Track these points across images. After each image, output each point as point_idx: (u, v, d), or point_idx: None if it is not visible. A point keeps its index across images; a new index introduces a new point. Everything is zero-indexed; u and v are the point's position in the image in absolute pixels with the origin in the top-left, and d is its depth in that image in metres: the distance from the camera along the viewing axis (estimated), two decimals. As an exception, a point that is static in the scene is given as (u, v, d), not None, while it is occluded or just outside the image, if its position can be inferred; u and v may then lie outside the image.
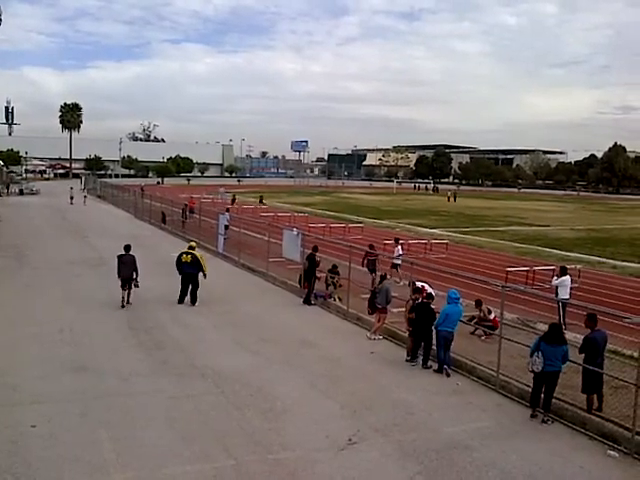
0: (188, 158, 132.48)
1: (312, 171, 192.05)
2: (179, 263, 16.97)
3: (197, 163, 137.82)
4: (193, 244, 17.97)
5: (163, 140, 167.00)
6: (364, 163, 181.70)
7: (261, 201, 39.47)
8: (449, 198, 72.05)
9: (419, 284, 14.00)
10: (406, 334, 13.12)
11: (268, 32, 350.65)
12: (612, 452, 8.91)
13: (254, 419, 9.51)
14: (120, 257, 16.52)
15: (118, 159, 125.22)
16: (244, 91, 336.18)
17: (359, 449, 8.67)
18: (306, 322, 15.73)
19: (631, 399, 9.19)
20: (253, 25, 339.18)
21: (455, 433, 9.28)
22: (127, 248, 16.79)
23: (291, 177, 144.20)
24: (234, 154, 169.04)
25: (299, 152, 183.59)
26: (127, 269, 16.22)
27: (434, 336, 12.22)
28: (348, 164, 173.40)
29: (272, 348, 13.24)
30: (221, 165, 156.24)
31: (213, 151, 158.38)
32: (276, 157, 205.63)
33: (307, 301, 17.45)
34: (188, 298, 16.78)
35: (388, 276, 15.89)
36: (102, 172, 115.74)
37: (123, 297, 16.21)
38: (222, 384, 10.97)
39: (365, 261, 20.09)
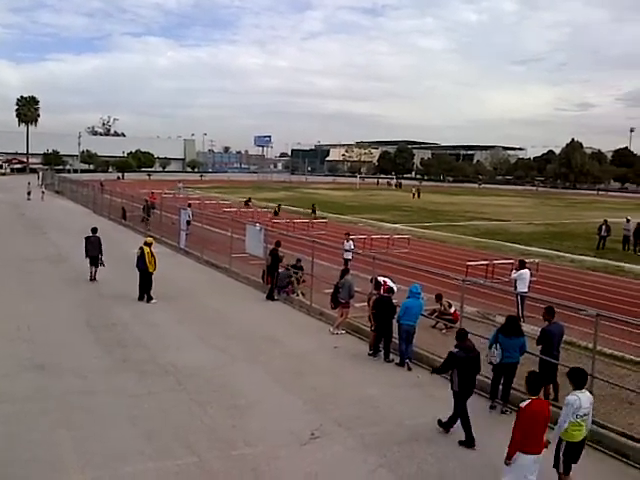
0: (149, 153, 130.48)
1: (275, 166, 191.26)
2: (137, 259, 16.95)
3: (158, 158, 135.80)
4: (149, 239, 17.75)
5: (123, 134, 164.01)
6: (327, 158, 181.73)
7: (276, 212, 37.42)
8: (414, 194, 72.13)
9: (381, 279, 14.12)
10: (369, 328, 13.23)
11: (232, 26, 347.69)
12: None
13: (217, 416, 9.49)
14: (87, 238, 18.91)
15: (77, 154, 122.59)
16: (207, 85, 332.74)
17: (322, 443, 8.73)
18: (269, 318, 15.73)
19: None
20: (217, 19, 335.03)
21: (417, 425, 9.42)
22: (94, 230, 19.26)
23: (254, 172, 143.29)
24: (196, 149, 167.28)
25: (262, 147, 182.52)
26: (94, 249, 18.66)
27: (396, 330, 12.36)
28: (311, 159, 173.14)
29: (235, 344, 13.21)
30: (183, 160, 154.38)
31: (175, 146, 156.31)
32: (239, 152, 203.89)
33: (270, 297, 17.44)
34: (151, 294, 16.68)
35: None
36: (60, 167, 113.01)
37: (91, 272, 18.75)
38: (185, 381, 10.90)
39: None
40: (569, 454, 7.46)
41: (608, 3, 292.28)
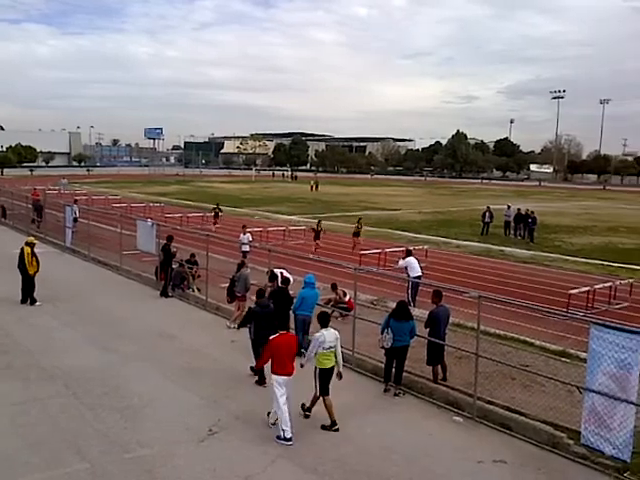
0: (31, 147, 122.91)
1: (168, 159, 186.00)
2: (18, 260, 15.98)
3: (41, 152, 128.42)
4: (30, 239, 16.75)
5: (2, 128, 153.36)
6: (222, 151, 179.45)
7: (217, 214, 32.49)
8: (312, 187, 72.15)
9: (277, 271, 14.16)
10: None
11: (119, 14, 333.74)
12: (457, 418, 9.67)
13: (109, 419, 9.15)
14: None
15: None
16: (94, 76, 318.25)
17: (220, 438, 8.67)
18: (164, 315, 15.35)
19: (472, 367, 9.99)
20: (102, 6, 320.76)
21: (315, 413, 9.49)
22: None
23: (146, 166, 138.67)
24: (83, 142, 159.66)
25: (153, 140, 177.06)
26: None
27: (293, 320, 12.44)
28: (205, 152, 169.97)
29: (128, 344, 12.78)
30: (68, 154, 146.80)
31: (59, 139, 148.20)
32: (129, 145, 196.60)
33: (164, 293, 17.01)
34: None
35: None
36: None
37: None
38: (73, 385, 10.42)
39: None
40: (322, 378, 9.08)
41: (490, 0, 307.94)
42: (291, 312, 12.39)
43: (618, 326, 8.50)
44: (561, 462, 8.34)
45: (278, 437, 8.58)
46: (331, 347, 9.15)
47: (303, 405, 9.45)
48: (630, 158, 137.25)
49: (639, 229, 38.17)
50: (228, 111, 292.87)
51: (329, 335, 9.17)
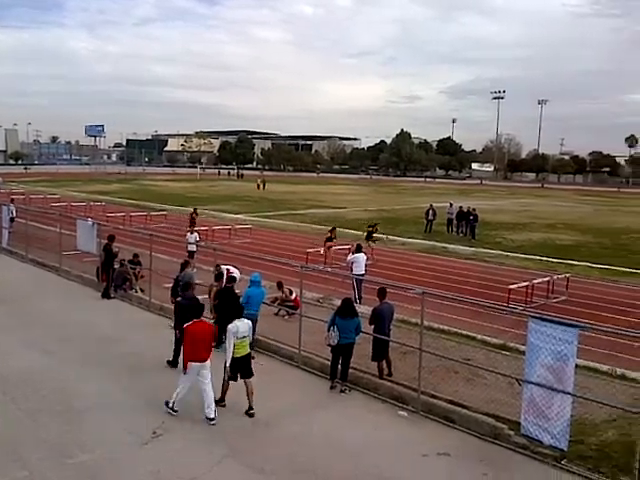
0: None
1: (109, 157, 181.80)
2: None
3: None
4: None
5: None
6: (166, 149, 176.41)
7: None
8: (259, 185, 71.55)
9: (224, 267, 14.03)
10: (212, 321, 13.06)
11: (58, 9, 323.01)
12: (402, 412, 9.81)
13: (49, 423, 8.87)
14: None
15: None
16: (32, 71, 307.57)
17: (165, 440, 8.53)
18: (106, 316, 14.96)
19: (416, 362, 10.15)
20: (40, 0, 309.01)
21: (261, 412, 9.48)
22: None
23: (86, 164, 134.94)
24: (20, 139, 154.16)
25: (95, 137, 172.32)
26: None
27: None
28: (149, 150, 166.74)
29: (69, 347, 12.42)
30: (4, 152, 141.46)
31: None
32: (69, 142, 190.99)
33: (106, 294, 16.59)
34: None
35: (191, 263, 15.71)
36: None
37: None
38: (10, 390, 10.04)
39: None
40: (234, 366, 9.47)
41: (431, 2, 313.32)
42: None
43: (554, 319, 8.81)
44: (502, 453, 8.56)
45: (167, 404, 9.29)
46: (245, 336, 9.61)
47: (217, 401, 9.56)
48: (567, 157, 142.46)
49: (575, 226, 39.67)
50: (172, 108, 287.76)
51: (242, 325, 9.61)
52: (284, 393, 10.47)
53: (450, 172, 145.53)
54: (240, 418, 9.33)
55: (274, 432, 8.96)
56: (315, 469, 7.96)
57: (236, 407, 9.67)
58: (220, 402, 9.61)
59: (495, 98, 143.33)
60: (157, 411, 9.41)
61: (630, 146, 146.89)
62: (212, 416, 9.10)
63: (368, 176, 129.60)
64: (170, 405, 9.28)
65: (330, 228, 23.75)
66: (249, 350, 9.76)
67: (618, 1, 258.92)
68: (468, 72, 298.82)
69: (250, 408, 9.46)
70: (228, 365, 9.49)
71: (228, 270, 13.74)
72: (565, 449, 8.27)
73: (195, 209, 29.50)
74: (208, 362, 9.30)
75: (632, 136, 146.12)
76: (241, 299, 12.27)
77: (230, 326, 9.58)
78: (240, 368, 9.56)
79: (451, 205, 35.23)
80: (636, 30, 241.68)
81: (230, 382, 9.65)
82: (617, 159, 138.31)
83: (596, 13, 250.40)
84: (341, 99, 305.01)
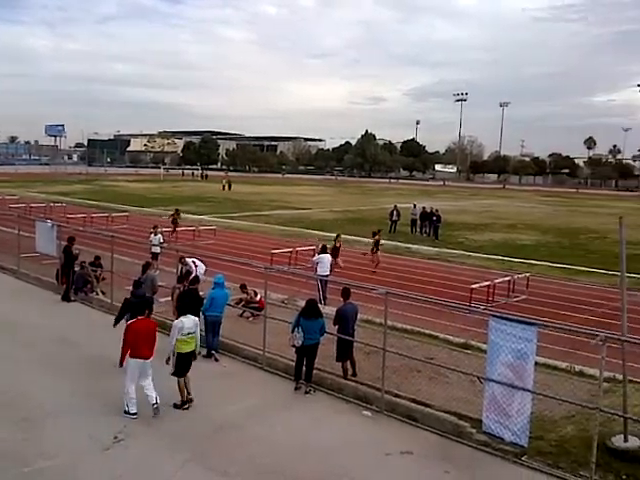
0: None
1: (70, 158, 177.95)
2: None
3: None
4: None
5: None
6: (128, 149, 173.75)
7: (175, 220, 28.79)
8: (224, 186, 70.71)
9: (189, 260, 13.90)
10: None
11: (15, 5, 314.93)
12: (366, 412, 9.87)
13: (5, 431, 8.64)
14: None
15: None
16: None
17: (126, 445, 8.40)
18: (66, 320, 14.66)
19: (380, 362, 10.21)
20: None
21: (224, 415, 9.46)
22: None
23: (46, 164, 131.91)
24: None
25: (55, 137, 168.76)
26: None
27: (202, 322, 12.24)
28: (111, 150, 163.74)
29: (27, 351, 12.13)
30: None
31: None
32: (28, 142, 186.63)
33: (66, 297, 16.26)
34: None
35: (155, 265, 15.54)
36: None
37: None
38: (-35, 397, 9.76)
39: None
40: (179, 362, 9.59)
41: (394, 4, 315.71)
42: (201, 313, 12.19)
43: (514, 318, 8.97)
44: (465, 450, 8.69)
45: (125, 412, 9.20)
46: (190, 333, 9.71)
47: (175, 404, 9.65)
48: (527, 158, 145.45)
49: (536, 226, 40.48)
50: (135, 108, 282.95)
51: (188, 322, 9.72)
52: (248, 395, 10.42)
53: (414, 173, 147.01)
54: (203, 422, 9.25)
55: (238, 434, 8.91)
56: (280, 470, 7.94)
57: (199, 411, 9.60)
58: (183, 406, 9.61)
59: (458, 100, 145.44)
60: (118, 415, 9.26)
61: (589, 148, 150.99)
62: (154, 402, 9.22)
63: (333, 177, 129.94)
64: (126, 409, 9.21)
65: (335, 235, 22.68)
66: (194, 347, 9.86)
67: (575, 6, 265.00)
68: (431, 74, 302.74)
69: (184, 403, 9.65)
70: (172, 361, 9.59)
71: (194, 262, 13.61)
72: (525, 445, 8.43)
73: (177, 210, 29.00)
74: (150, 360, 9.38)
75: (590, 138, 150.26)
76: (205, 301, 12.18)
77: (175, 322, 9.74)
78: (186, 364, 9.69)
79: (415, 206, 35.60)
80: (593, 34, 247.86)
81: (178, 378, 9.70)
82: (576, 160, 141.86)
83: (555, 18, 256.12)
84: (306, 100, 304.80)
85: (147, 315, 9.77)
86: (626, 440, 8.26)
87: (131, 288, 12.87)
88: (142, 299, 10.87)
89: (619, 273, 8.54)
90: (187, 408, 9.60)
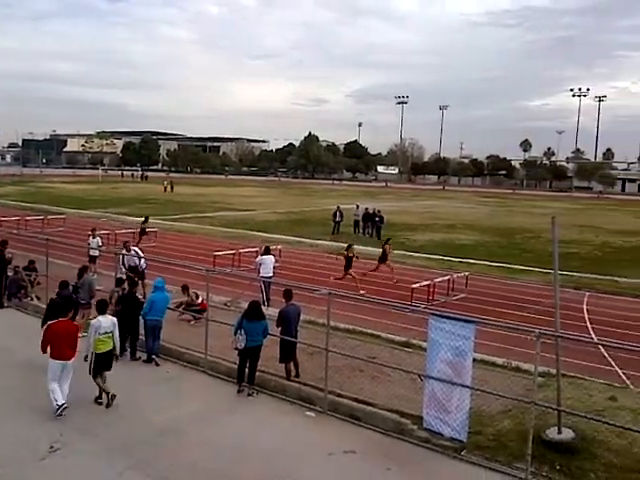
0: None
1: (4, 158, 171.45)
2: None
3: None
4: None
5: None
6: (65, 149, 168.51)
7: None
8: (165, 188, 69.40)
9: (133, 248, 13.60)
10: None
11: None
12: (309, 412, 9.88)
13: None
14: None
15: None
16: None
17: (63, 455, 8.13)
18: (-2, 326, 14.12)
19: (323, 362, 10.25)
20: None
21: (166, 420, 9.29)
22: None
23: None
24: None
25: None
26: None
27: (142, 326, 12.02)
28: (46, 150, 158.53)
29: (-45, 361, 11.61)
30: None
31: None
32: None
33: (-2, 303, 15.66)
34: None
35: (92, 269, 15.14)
36: None
37: None
38: None
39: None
40: (97, 362, 9.66)
41: (336, 6, 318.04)
42: (141, 317, 11.97)
43: (453, 316, 9.18)
44: (406, 447, 8.81)
45: (55, 408, 9.15)
46: (107, 332, 9.77)
47: (96, 399, 9.83)
48: (466, 160, 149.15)
49: (474, 226, 41.53)
50: (72, 107, 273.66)
51: (105, 321, 9.79)
52: (191, 399, 10.28)
53: (357, 174, 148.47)
54: (144, 428, 9.07)
55: (181, 440, 8.76)
56: (223, 474, 7.88)
57: (140, 417, 9.42)
58: (98, 399, 9.77)
59: (399, 103, 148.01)
60: (54, 423, 8.98)
61: (524, 150, 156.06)
62: (61, 403, 9.17)
63: (277, 178, 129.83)
64: (55, 405, 9.18)
65: (347, 245, 21.17)
66: (112, 346, 9.90)
67: (511, 12, 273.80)
68: (374, 77, 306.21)
69: (100, 397, 9.77)
70: (90, 360, 9.64)
71: (136, 251, 13.33)
72: (464, 440, 8.63)
73: (146, 217, 27.83)
74: (71, 361, 9.39)
75: (526, 140, 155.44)
76: (144, 305, 11.96)
77: (93, 322, 9.81)
78: (104, 363, 9.74)
79: (358, 207, 35.95)
80: (528, 40, 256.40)
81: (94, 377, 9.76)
82: (512, 162, 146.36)
83: (492, 22, 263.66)
84: (249, 101, 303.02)
85: (71, 317, 9.78)
86: (560, 432, 8.55)
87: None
88: (66, 300, 10.75)
89: (553, 271, 8.84)
90: (100, 403, 9.73)
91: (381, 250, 21.85)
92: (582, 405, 9.59)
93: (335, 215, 34.79)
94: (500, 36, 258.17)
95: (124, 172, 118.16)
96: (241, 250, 23.08)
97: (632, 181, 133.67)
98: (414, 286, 17.37)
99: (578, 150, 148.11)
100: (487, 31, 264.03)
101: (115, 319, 10.11)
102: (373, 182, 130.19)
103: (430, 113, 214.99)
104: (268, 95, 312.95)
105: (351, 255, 20.15)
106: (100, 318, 9.79)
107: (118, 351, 10.24)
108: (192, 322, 14.20)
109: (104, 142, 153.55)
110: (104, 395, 9.74)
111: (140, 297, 12.39)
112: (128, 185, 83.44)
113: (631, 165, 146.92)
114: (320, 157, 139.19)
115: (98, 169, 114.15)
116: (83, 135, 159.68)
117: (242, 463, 8.17)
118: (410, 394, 10.05)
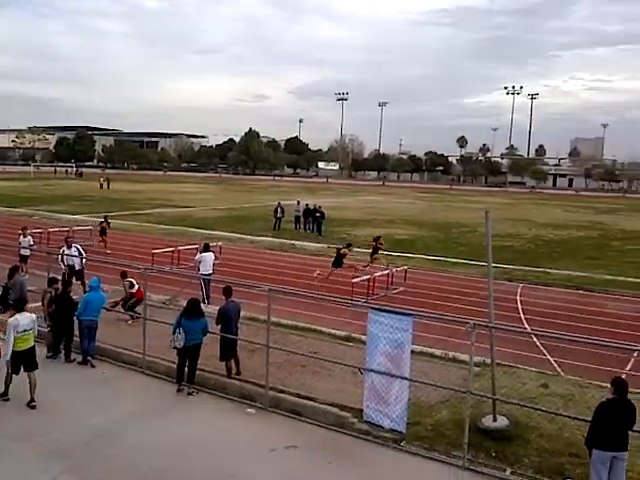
0: None
1: None
2: None
3: None
4: None
5: None
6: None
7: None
8: (101, 184, 67.36)
9: (75, 245, 13.19)
10: (46, 329, 12.19)
11: None
12: (250, 410, 9.85)
13: None
14: None
15: None
16: None
17: (-6, 462, 7.83)
18: None
19: (264, 359, 10.22)
20: None
21: (102, 423, 9.06)
22: None
23: None
24: None
25: None
26: None
27: (76, 327, 11.68)
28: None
29: None
30: None
31: None
32: None
33: None
34: None
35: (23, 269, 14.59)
36: None
37: None
38: None
39: None
40: (14, 359, 9.52)
41: (279, 2, 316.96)
42: (75, 318, 11.63)
43: (391, 309, 9.34)
44: (347, 440, 8.90)
45: None
46: (26, 330, 9.63)
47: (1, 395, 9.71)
48: (405, 156, 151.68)
49: (412, 221, 42.27)
50: (1, 101, 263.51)
51: (23, 319, 9.63)
52: (129, 400, 10.07)
53: (298, 171, 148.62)
54: (80, 431, 8.82)
55: (119, 442, 8.57)
56: (163, 475, 7.77)
57: (75, 420, 9.16)
58: (3, 396, 9.63)
59: (340, 99, 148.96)
60: (-16, 431, 8.63)
61: (461, 146, 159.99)
62: None
63: (217, 174, 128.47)
64: None
65: (345, 245, 21.40)
66: (33, 343, 9.74)
67: (448, 11, 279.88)
68: (314, 73, 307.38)
69: (32, 400, 9.49)
70: (8, 359, 9.46)
71: (66, 239, 12.86)
72: (404, 431, 8.79)
73: (106, 217, 26.78)
74: None
75: (462, 137, 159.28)
76: (79, 305, 11.62)
77: (10, 320, 9.57)
78: (22, 361, 9.58)
79: (298, 203, 35.98)
80: (464, 39, 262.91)
81: (13, 375, 9.65)
82: (449, 158, 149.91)
83: (429, 22, 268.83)
84: (188, 96, 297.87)
85: None
86: (495, 420, 8.82)
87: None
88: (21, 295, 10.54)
89: (487, 264, 9.10)
90: (7, 399, 9.61)
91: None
92: (516, 393, 9.92)
93: (276, 211, 34.72)
94: (436, 34, 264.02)
95: (57, 168, 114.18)
96: (180, 248, 22.71)
97: (563, 176, 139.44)
98: (354, 281, 17.54)
99: (512, 146, 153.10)
100: (426, 30, 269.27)
101: (34, 316, 9.94)
102: (314, 178, 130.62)
103: (370, 110, 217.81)
104: (208, 90, 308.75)
105: (344, 254, 20.37)
106: (18, 316, 9.58)
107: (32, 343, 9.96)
108: (130, 322, 13.88)
109: (36, 138, 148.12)
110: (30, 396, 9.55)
111: (75, 297, 12.00)
112: (62, 182, 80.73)
113: (562, 161, 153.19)
114: (261, 153, 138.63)
115: (30, 165, 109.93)
116: (14, 130, 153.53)
117: (183, 463, 8.07)
118: (351, 388, 10.14)
